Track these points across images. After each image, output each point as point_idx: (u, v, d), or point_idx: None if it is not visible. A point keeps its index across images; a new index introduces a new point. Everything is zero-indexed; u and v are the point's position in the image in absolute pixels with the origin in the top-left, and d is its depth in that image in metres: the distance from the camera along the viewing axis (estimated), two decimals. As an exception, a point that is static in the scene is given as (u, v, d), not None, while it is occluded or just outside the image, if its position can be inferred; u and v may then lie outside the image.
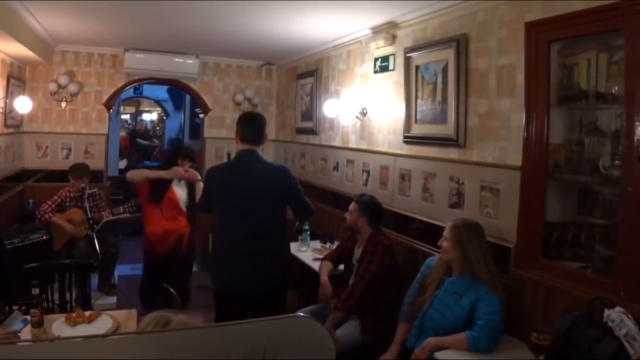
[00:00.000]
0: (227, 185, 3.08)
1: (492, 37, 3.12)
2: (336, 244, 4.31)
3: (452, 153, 3.49)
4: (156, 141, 12.48)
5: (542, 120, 2.69)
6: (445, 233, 2.82)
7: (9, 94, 5.08)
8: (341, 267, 3.69)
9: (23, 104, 5.29)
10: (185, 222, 4.59)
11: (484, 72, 3.19)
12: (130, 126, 13.54)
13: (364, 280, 3.20)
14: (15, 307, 3.65)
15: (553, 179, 2.70)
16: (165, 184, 4.48)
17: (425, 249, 3.55)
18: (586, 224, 2.70)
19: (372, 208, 3.47)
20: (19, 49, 4.61)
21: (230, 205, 3.08)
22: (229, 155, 5.84)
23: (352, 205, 3.52)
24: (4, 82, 4.99)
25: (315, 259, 4.10)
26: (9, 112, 5.14)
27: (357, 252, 3.45)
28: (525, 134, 2.78)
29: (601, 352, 2.01)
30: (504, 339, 2.61)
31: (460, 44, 3.33)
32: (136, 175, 4.54)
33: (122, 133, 11.34)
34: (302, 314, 1.46)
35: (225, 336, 1.25)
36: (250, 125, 3.16)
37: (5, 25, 3.85)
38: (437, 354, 2.53)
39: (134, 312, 2.89)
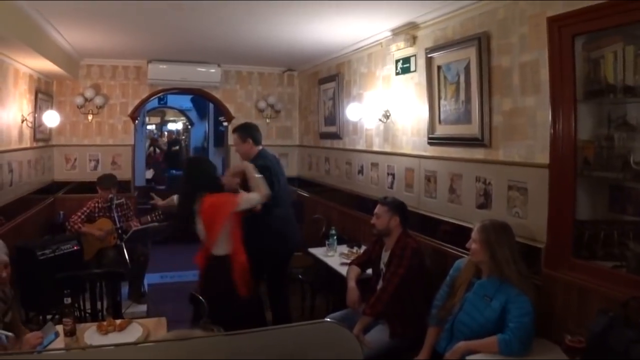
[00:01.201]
0: (275, 174, 3.93)
1: (514, 33, 3.07)
2: (363, 248, 4.28)
3: (478, 153, 3.44)
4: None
5: (569, 116, 2.63)
6: (474, 234, 2.77)
7: (38, 109, 5.22)
8: (369, 271, 3.66)
9: (51, 118, 5.44)
10: None
11: (507, 70, 3.15)
12: (156, 136, 13.76)
13: (392, 284, 3.17)
14: (48, 317, 3.75)
15: (582, 176, 2.64)
16: None
17: (453, 251, 3.51)
18: (619, 222, 2.62)
19: (401, 207, 3.45)
20: (45, 65, 4.73)
21: (279, 189, 3.94)
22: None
23: (378, 209, 3.46)
24: (32, 97, 5.12)
25: (343, 264, 4.07)
26: (38, 126, 5.27)
27: (385, 256, 3.42)
28: (552, 131, 2.72)
29: (639, 354, 1.95)
30: (536, 341, 2.55)
31: (482, 42, 3.29)
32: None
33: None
34: (329, 319, 1.45)
35: (253, 342, 1.25)
36: (257, 131, 4.22)
37: (32, 42, 3.96)
38: (469, 358, 2.49)
39: (163, 320, 2.92)
